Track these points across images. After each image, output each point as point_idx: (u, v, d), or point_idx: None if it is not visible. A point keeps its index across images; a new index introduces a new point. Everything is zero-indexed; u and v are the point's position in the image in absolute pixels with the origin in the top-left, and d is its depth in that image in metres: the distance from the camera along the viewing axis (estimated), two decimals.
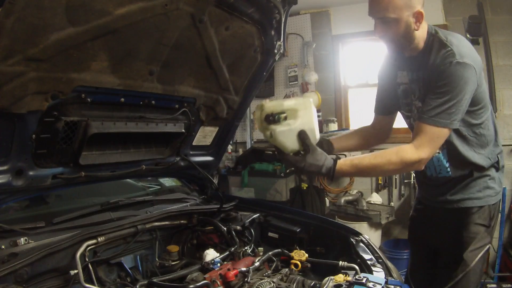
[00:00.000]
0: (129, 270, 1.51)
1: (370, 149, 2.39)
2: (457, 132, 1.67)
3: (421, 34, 1.63)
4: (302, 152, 1.52)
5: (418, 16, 1.57)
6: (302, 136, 1.49)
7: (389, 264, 1.58)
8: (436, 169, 1.81)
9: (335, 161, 1.52)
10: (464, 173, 1.76)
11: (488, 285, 3.26)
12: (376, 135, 2.05)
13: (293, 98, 1.58)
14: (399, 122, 1.99)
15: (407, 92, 1.80)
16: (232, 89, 1.97)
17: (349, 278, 1.28)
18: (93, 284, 1.30)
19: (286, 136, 1.49)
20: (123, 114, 1.62)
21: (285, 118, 1.48)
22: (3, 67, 1.12)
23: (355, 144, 2.04)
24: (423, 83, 1.68)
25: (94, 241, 1.43)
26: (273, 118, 1.46)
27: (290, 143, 1.50)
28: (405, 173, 4.20)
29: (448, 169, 1.77)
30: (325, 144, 1.90)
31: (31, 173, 1.43)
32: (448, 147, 1.72)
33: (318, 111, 1.49)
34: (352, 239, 1.71)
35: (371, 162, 1.56)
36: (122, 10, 1.26)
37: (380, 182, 4.53)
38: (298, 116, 1.49)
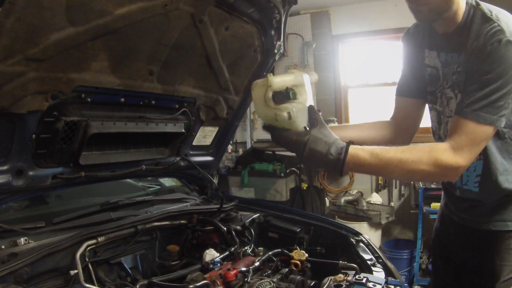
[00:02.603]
0: (129, 270, 1.51)
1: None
2: (496, 134, 1.33)
3: (461, 1, 1.32)
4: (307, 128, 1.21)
5: None
6: (311, 111, 1.22)
7: (389, 264, 1.58)
8: (462, 178, 1.48)
9: (348, 143, 1.18)
10: (494, 198, 1.45)
11: None
12: (397, 127, 1.63)
13: (292, 72, 1.29)
14: None
15: (434, 78, 1.49)
16: (232, 89, 1.97)
17: (349, 278, 1.28)
18: (93, 284, 1.30)
19: (302, 115, 1.21)
20: (123, 114, 1.62)
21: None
22: (3, 67, 1.12)
23: (365, 136, 1.59)
24: (462, 69, 1.36)
25: (94, 241, 1.43)
26: (287, 95, 1.18)
27: (303, 124, 1.21)
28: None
29: (476, 185, 1.45)
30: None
31: (31, 173, 1.43)
32: (484, 156, 1.39)
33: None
34: (352, 239, 1.71)
35: (397, 156, 1.19)
36: (122, 10, 1.25)
37: (380, 182, 4.54)
38: (305, 92, 1.23)
